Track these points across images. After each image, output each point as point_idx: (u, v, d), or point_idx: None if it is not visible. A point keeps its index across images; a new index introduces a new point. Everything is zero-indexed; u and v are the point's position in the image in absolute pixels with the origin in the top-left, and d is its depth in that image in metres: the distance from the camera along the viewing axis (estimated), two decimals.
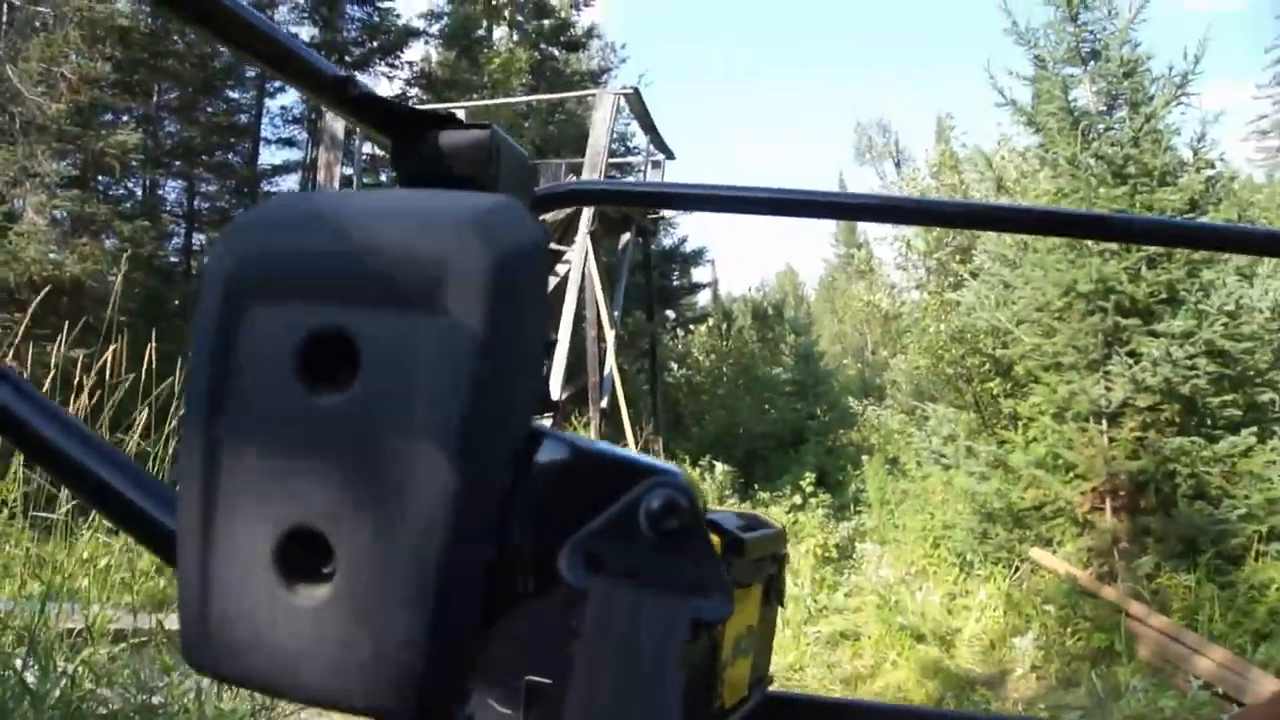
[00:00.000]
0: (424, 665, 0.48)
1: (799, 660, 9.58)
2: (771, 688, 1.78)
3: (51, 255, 13.88)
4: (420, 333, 0.47)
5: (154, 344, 5.37)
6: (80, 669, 3.62)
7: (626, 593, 0.48)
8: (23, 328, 5.86)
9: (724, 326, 24.36)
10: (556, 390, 13.38)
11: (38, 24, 14.58)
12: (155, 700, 3.84)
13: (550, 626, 0.50)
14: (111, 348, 5.21)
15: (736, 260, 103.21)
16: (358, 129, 15.36)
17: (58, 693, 3.37)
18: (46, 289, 9.60)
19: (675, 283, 28.24)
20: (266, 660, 0.50)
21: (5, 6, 14.50)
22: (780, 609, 1.75)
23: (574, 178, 15.34)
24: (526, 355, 0.51)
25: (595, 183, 1.36)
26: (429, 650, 0.47)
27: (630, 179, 19.00)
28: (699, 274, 30.22)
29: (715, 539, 1.17)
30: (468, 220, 0.48)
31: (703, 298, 31.34)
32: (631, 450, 0.57)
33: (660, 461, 0.52)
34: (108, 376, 5.27)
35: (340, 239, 0.50)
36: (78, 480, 0.62)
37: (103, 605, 4.31)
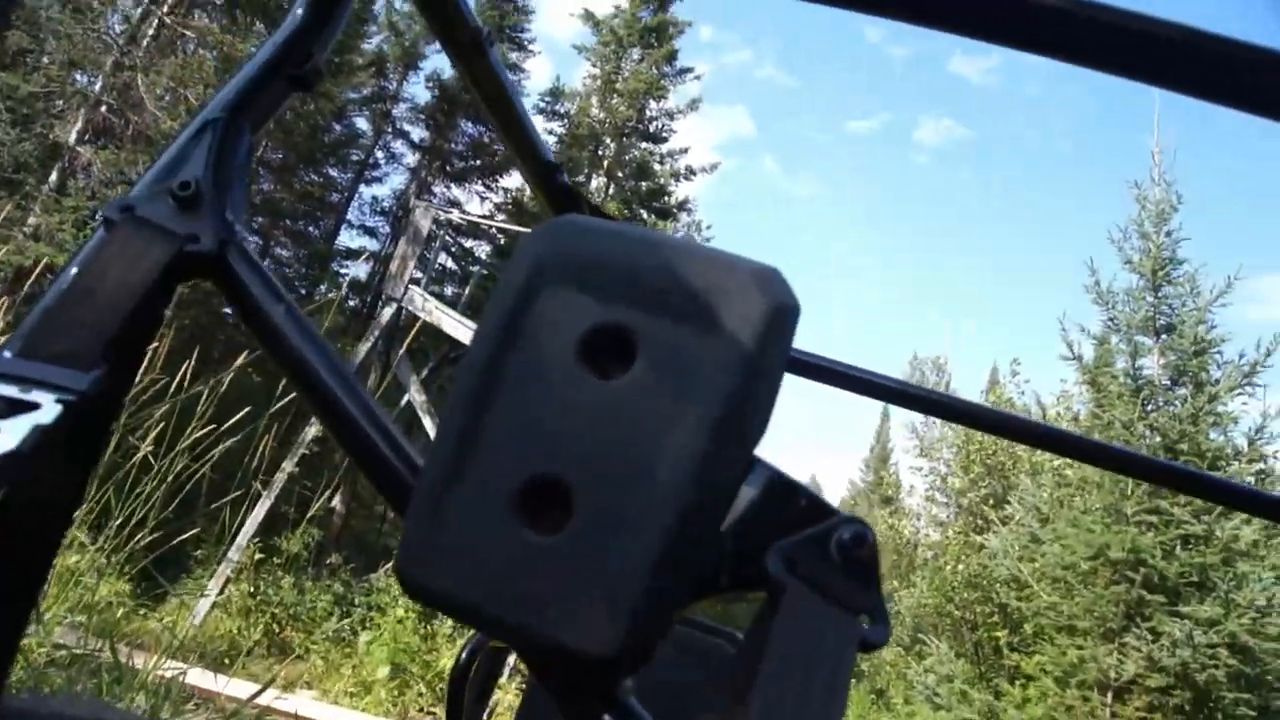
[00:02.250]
0: (631, 617, 0.51)
1: None
2: None
3: None
4: (697, 345, 0.54)
5: (193, 362, 5.26)
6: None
7: (817, 599, 0.52)
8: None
9: None
10: None
11: (179, 45, 15.16)
12: None
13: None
14: (153, 346, 5.07)
15: (767, 452, 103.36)
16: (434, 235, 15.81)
17: None
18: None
19: None
20: (482, 590, 0.54)
21: (157, 21, 15.06)
22: None
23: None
24: (770, 391, 0.56)
25: (819, 358, 1.51)
26: (644, 603, 0.51)
27: None
28: None
29: None
30: (754, 270, 0.56)
31: None
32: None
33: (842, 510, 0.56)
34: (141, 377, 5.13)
35: (646, 254, 0.57)
36: (330, 414, 0.71)
37: (56, 609, 4.12)
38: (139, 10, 14.88)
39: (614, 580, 0.52)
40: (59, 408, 0.65)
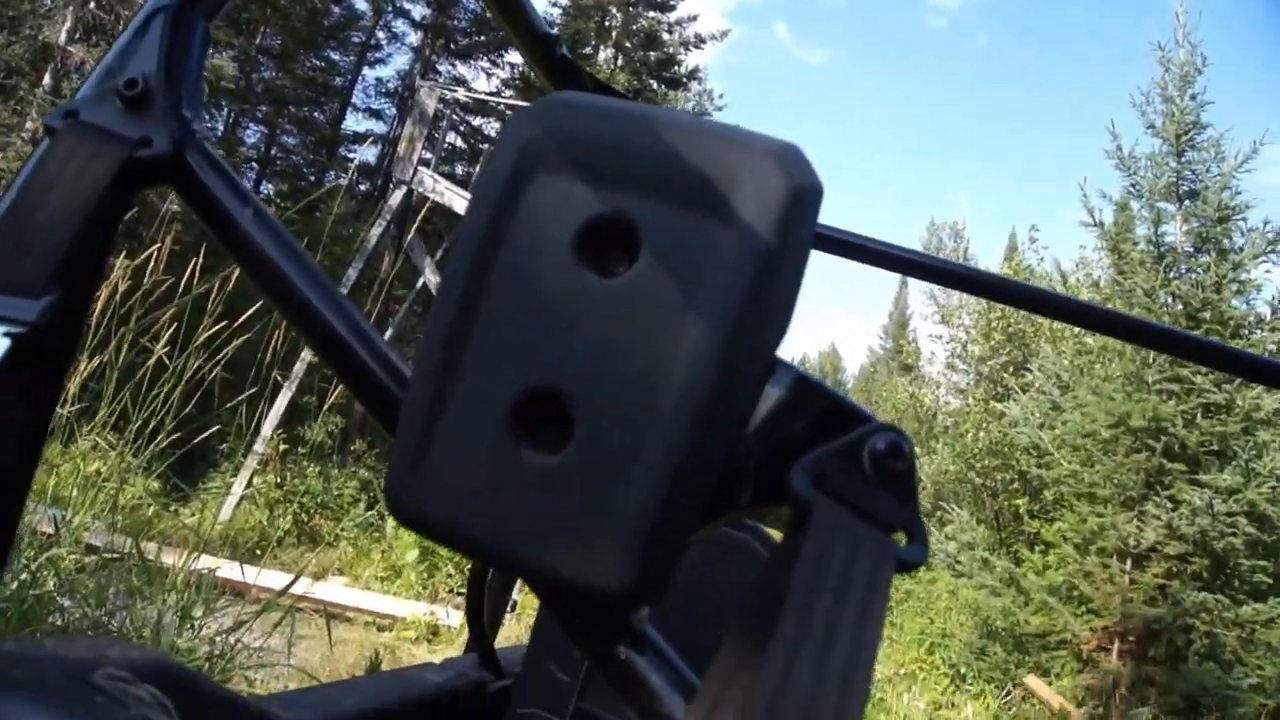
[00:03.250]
0: (644, 547, 0.48)
1: None
2: None
3: None
4: (708, 235, 0.49)
5: (200, 260, 5.20)
6: (43, 570, 3.47)
7: (848, 517, 0.47)
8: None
9: None
10: None
11: None
12: (113, 622, 3.69)
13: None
14: (154, 248, 4.96)
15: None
16: (448, 110, 15.59)
17: (14, 586, 3.22)
18: None
19: None
20: (478, 519, 0.51)
21: None
22: None
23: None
24: (793, 284, 0.51)
25: (829, 229, 1.39)
26: (655, 531, 0.47)
27: None
28: None
29: None
30: (770, 149, 0.50)
31: None
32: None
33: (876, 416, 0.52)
34: (145, 279, 5.04)
35: (648, 134, 0.51)
36: (308, 325, 0.67)
37: (82, 515, 4.16)
38: None
39: (623, 505, 0.48)
40: (7, 341, 0.61)
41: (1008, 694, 10.22)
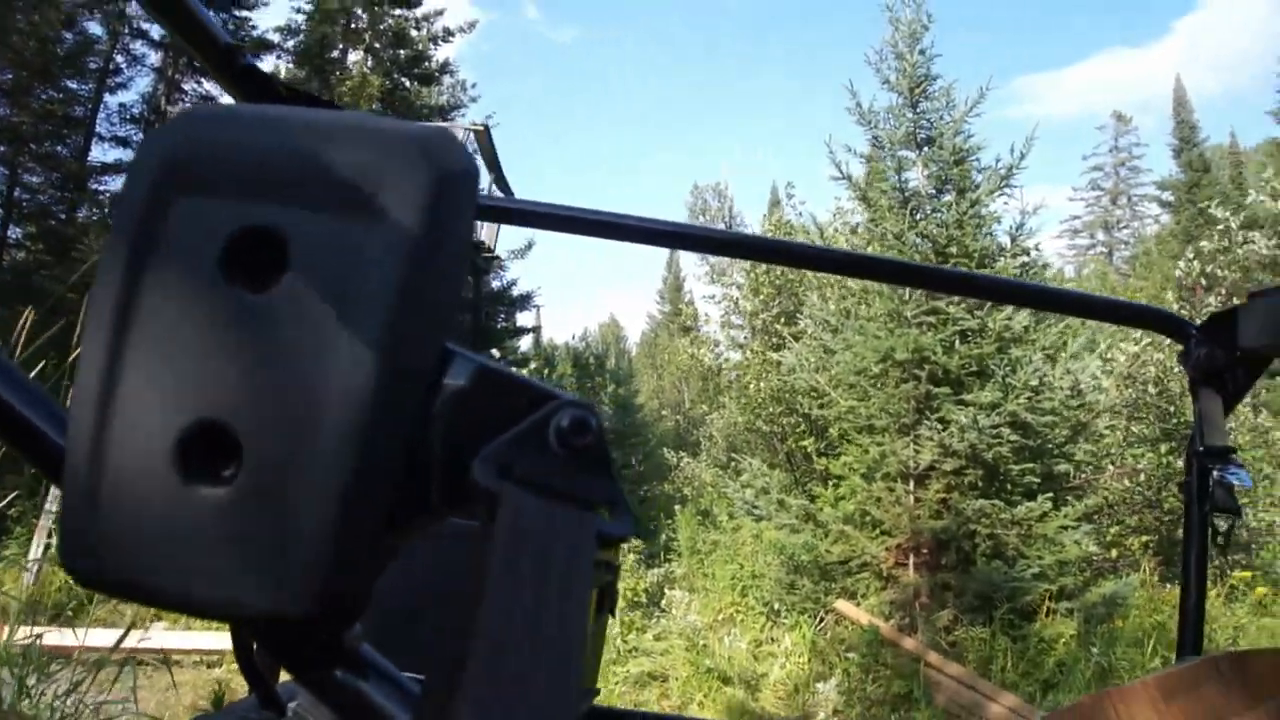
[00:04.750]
0: (330, 569, 0.46)
1: (606, 699, 9.68)
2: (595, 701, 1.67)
3: None
4: (354, 238, 0.48)
5: None
6: None
7: (538, 500, 0.48)
8: None
9: (545, 372, 24.45)
10: None
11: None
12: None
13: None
14: None
15: (562, 309, 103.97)
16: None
17: None
18: None
19: (501, 324, 28.29)
20: (159, 567, 0.48)
21: None
22: (611, 619, 1.67)
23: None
24: (453, 273, 0.52)
25: (490, 199, 1.48)
26: (336, 550, 0.47)
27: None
28: (524, 319, 30.31)
29: None
30: (411, 139, 0.50)
31: (525, 342, 31.47)
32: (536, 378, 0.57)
33: (564, 391, 0.52)
34: None
35: (285, 140, 0.50)
36: None
37: None
38: None
39: (298, 530, 0.47)
40: None
41: (821, 621, 10.85)
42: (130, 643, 4.16)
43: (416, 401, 0.50)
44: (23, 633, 3.88)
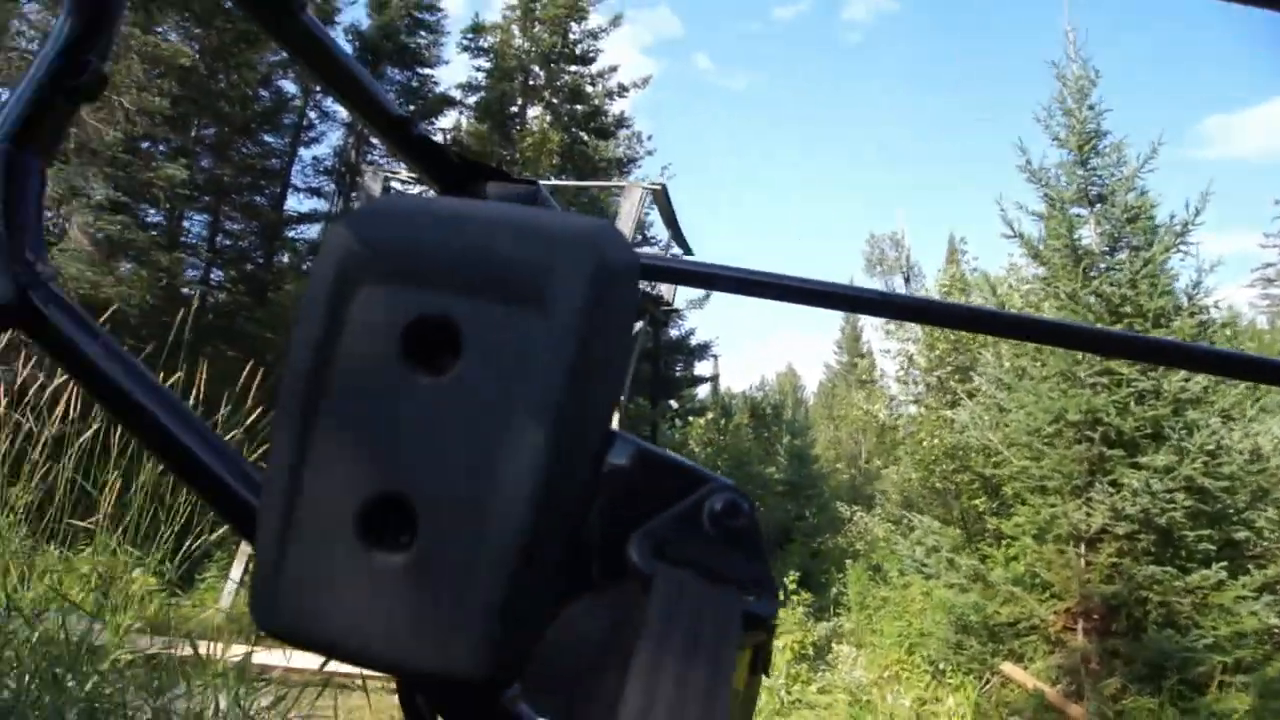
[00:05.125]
0: (497, 634, 0.50)
1: None
2: None
3: (89, 275, 14.33)
4: (524, 327, 0.51)
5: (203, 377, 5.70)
6: (107, 674, 3.80)
7: (690, 579, 0.50)
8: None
9: (722, 421, 24.65)
10: None
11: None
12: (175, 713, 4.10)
13: (607, 618, 0.54)
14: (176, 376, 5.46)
15: (740, 357, 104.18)
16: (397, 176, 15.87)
17: (87, 688, 3.56)
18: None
19: (679, 373, 28.63)
20: (338, 623, 0.52)
21: None
22: (764, 677, 1.83)
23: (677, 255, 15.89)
24: (614, 360, 0.55)
25: (653, 256, 1.37)
26: (503, 620, 0.50)
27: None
28: (702, 367, 30.57)
29: None
30: (579, 234, 0.53)
31: (703, 390, 31.71)
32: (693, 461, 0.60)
33: (717, 475, 0.55)
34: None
35: (458, 235, 0.54)
36: (161, 446, 0.67)
37: (123, 618, 4.53)
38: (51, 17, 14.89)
39: (470, 598, 0.50)
40: None
41: (987, 683, 10.72)
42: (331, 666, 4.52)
43: (582, 482, 0.53)
44: (234, 650, 4.24)
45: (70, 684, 3.33)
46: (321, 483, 0.54)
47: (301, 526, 0.54)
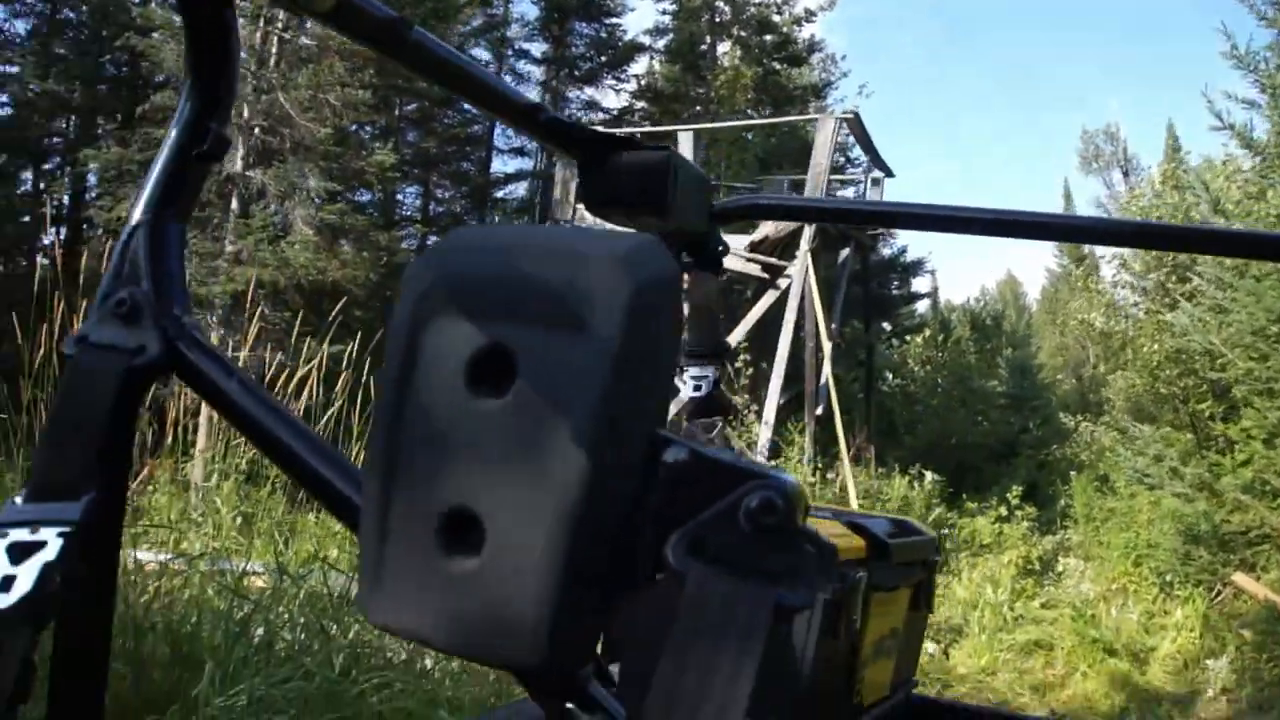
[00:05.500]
0: (553, 630, 0.55)
1: (991, 664, 9.88)
2: (917, 690, 1.80)
3: (317, 262, 15.47)
4: (568, 349, 0.56)
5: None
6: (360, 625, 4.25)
7: (722, 577, 0.53)
8: (296, 326, 7.03)
9: (940, 337, 24.25)
10: (774, 396, 13.81)
11: (304, 56, 16.22)
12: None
13: (654, 611, 0.56)
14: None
15: (959, 268, 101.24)
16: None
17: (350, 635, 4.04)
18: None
19: (895, 292, 28.24)
20: (424, 616, 0.60)
21: (276, 40, 16.19)
22: (929, 614, 1.77)
23: (794, 194, 15.90)
24: (657, 371, 0.59)
25: (771, 197, 1.71)
26: (556, 618, 0.55)
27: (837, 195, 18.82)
28: (918, 284, 30.10)
29: (860, 542, 1.34)
30: (612, 257, 0.57)
31: (922, 306, 31.18)
32: (745, 457, 0.65)
33: (770, 467, 0.57)
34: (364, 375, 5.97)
35: (510, 269, 0.59)
36: (291, 467, 0.77)
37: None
38: (258, 34, 15.84)
39: (527, 599, 0.56)
40: (60, 541, 0.72)
41: (1217, 594, 10.44)
42: None
43: (629, 487, 0.57)
44: None
45: (335, 632, 3.76)
46: (407, 496, 0.61)
47: (392, 534, 0.61)
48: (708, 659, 0.51)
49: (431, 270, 0.62)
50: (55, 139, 21.91)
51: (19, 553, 0.72)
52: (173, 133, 0.88)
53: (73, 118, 22.00)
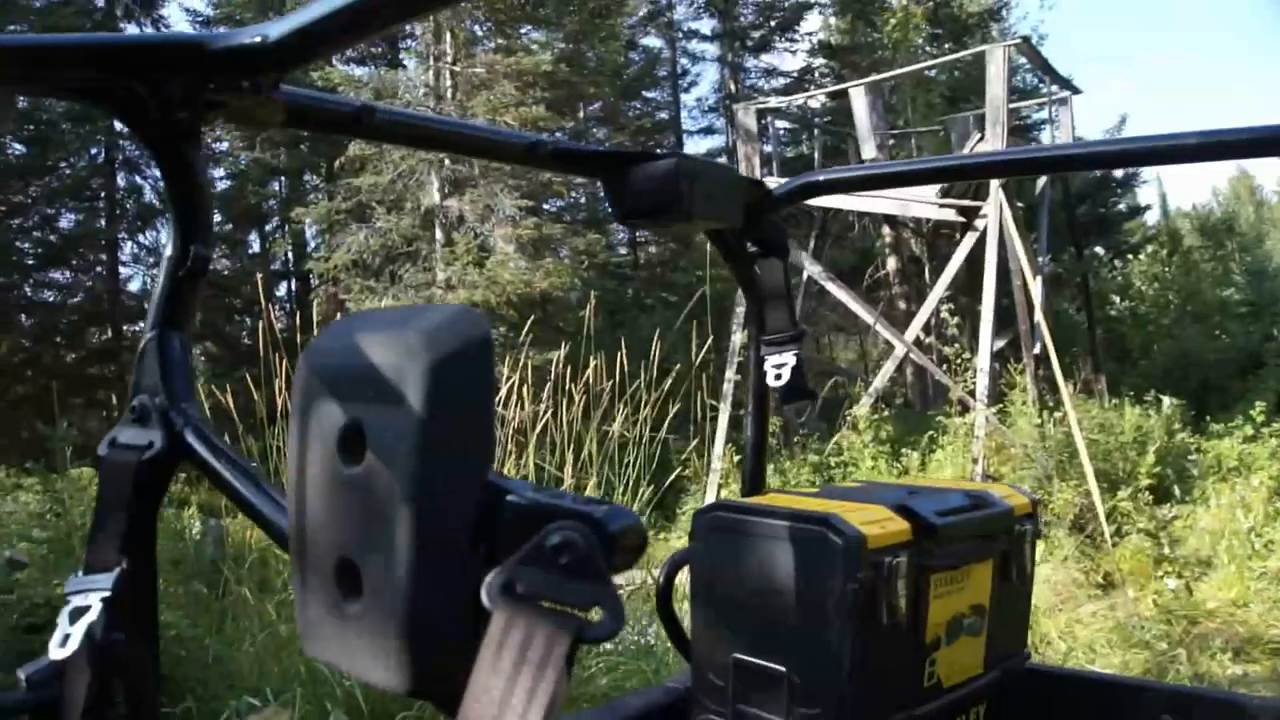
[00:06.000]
0: (411, 660, 0.64)
1: (1242, 596, 9.36)
2: (1033, 660, 1.89)
3: (522, 276, 16.10)
4: (396, 420, 0.64)
5: (623, 350, 6.54)
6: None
7: (523, 613, 0.58)
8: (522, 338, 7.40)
9: (1165, 251, 22.99)
10: (986, 342, 13.52)
11: (477, 83, 16.87)
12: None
13: None
14: (593, 362, 6.34)
15: (1187, 172, 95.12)
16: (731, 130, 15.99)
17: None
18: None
19: (1118, 207, 26.92)
20: (334, 650, 0.70)
21: (448, 74, 16.99)
22: (1026, 584, 1.81)
23: (978, 135, 15.40)
24: (468, 427, 0.66)
25: (828, 172, 1.80)
26: (413, 650, 0.64)
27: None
28: (1143, 195, 28.45)
29: (905, 525, 1.55)
30: (417, 336, 0.65)
31: (1151, 218, 29.51)
32: (569, 493, 0.67)
33: (593, 501, 0.63)
34: (591, 382, 6.36)
35: (357, 358, 0.67)
36: (269, 530, 0.91)
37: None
38: (430, 71, 16.60)
39: (394, 635, 0.64)
40: (100, 605, 0.89)
41: None
42: None
43: (463, 532, 0.64)
44: None
45: None
46: (312, 551, 0.71)
47: (308, 583, 0.71)
48: (504, 692, 0.56)
49: (307, 365, 0.72)
50: (270, 201, 23.73)
51: (74, 615, 0.89)
52: (164, 259, 1.03)
53: (282, 179, 23.77)
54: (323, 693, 4.17)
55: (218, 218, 22.26)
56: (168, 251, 1.03)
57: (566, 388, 6.33)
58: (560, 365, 6.35)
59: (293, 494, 0.72)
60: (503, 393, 6.31)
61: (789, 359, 1.86)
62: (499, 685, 0.56)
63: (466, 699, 0.57)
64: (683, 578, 1.84)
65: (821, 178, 1.91)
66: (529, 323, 7.66)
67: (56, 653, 0.88)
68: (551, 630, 0.57)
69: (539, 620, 0.58)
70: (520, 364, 6.35)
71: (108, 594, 0.90)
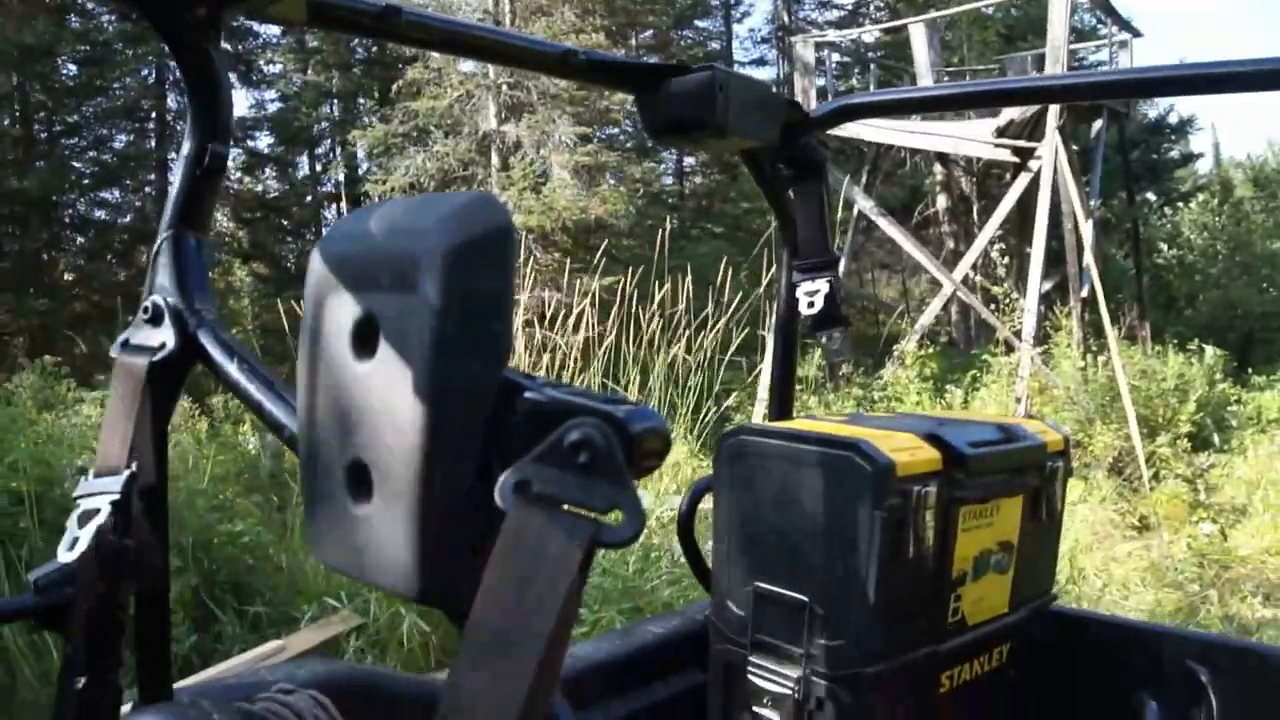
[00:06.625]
0: (423, 563, 0.63)
1: (1275, 545, 9.19)
2: (1059, 604, 1.86)
3: (579, 202, 16.31)
4: (410, 310, 0.62)
5: (688, 275, 6.79)
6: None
7: (540, 514, 0.56)
8: (567, 266, 7.70)
9: (1216, 202, 22.73)
10: (1035, 282, 13.53)
11: (535, 8, 16.97)
12: None
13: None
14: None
15: (1242, 119, 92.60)
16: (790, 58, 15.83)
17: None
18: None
19: (1168, 155, 26.53)
20: (341, 553, 0.70)
21: (508, 1, 17.04)
22: (1056, 522, 1.76)
23: (1034, 72, 15.26)
24: (485, 319, 0.63)
25: (867, 95, 1.52)
26: (424, 552, 0.63)
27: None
28: (1196, 143, 27.92)
29: (934, 454, 1.51)
30: (434, 222, 0.63)
31: (1204, 166, 29.01)
32: (592, 390, 0.63)
33: (614, 399, 0.60)
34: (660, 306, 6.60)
35: (370, 248, 0.67)
36: (276, 429, 0.87)
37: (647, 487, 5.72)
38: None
39: (401, 538, 0.63)
40: (109, 508, 0.90)
41: None
42: None
43: (477, 429, 0.63)
44: None
45: None
46: (324, 450, 0.69)
47: (317, 486, 0.70)
48: (516, 595, 0.54)
49: (319, 259, 0.70)
50: (323, 124, 23.70)
51: (83, 519, 0.90)
52: (182, 157, 1.01)
53: (335, 102, 23.78)
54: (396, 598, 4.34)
55: (269, 139, 22.59)
56: (185, 149, 1.02)
57: (633, 311, 6.53)
58: (626, 288, 6.54)
59: (303, 394, 0.70)
60: (571, 316, 6.53)
61: (822, 286, 1.80)
62: (510, 590, 0.55)
63: (476, 605, 0.55)
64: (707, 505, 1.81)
65: (858, 100, 1.85)
66: (600, 250, 7.82)
67: (65, 556, 0.89)
68: (567, 532, 0.55)
69: (554, 522, 0.56)
70: (583, 288, 6.55)
71: (116, 497, 0.91)
